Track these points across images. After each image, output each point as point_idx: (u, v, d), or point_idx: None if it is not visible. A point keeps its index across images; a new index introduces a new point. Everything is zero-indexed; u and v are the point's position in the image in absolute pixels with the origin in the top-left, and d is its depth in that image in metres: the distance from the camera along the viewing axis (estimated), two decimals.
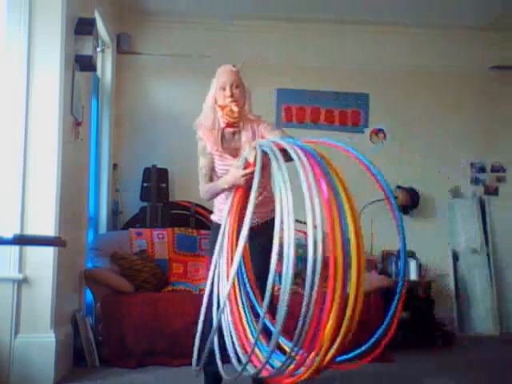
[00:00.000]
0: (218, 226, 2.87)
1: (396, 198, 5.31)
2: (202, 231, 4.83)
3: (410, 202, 5.29)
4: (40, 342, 3.28)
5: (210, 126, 3.03)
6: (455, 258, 5.42)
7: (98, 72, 4.85)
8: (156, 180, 5.02)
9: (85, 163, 4.17)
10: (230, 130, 2.99)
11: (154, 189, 5.00)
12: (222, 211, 2.95)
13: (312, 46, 5.42)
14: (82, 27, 3.64)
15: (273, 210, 2.50)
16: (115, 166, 5.17)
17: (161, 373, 3.67)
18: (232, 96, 2.96)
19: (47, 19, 3.35)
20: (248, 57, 5.32)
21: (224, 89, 2.99)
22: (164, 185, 5.05)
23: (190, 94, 5.41)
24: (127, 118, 5.29)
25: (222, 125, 2.97)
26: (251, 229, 2.44)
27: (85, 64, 3.69)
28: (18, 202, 3.27)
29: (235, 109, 2.94)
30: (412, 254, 5.19)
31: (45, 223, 3.29)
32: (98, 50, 4.58)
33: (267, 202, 2.95)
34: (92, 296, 4.17)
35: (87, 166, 4.27)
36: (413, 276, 5.02)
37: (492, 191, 5.58)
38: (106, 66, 5.07)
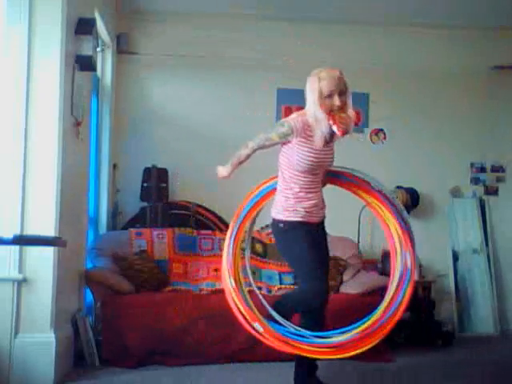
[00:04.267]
0: (294, 224, 3.07)
1: (396, 198, 5.31)
2: (202, 231, 4.83)
3: (409, 202, 5.29)
4: (40, 342, 3.28)
5: (321, 123, 3.01)
6: (455, 257, 5.42)
7: (98, 72, 4.85)
8: (156, 180, 5.01)
9: (85, 163, 4.17)
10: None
11: (154, 189, 4.99)
12: (292, 210, 3.07)
13: (312, 45, 5.42)
14: (82, 27, 3.64)
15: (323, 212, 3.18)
16: (115, 166, 5.17)
17: (161, 373, 3.67)
18: (341, 104, 3.00)
19: (47, 19, 3.35)
20: (248, 57, 5.35)
21: (331, 96, 2.99)
22: (164, 185, 5.05)
23: (190, 94, 5.42)
24: (127, 118, 5.29)
25: (338, 132, 3.00)
26: (316, 224, 3.10)
27: (85, 64, 3.69)
28: (17, 202, 3.27)
29: (344, 115, 3.02)
30: None
31: (45, 223, 3.29)
32: (98, 49, 4.59)
33: (323, 201, 3.18)
34: (92, 296, 4.17)
35: (87, 166, 4.27)
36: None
37: (492, 191, 5.58)
38: (106, 65, 5.07)
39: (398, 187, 5.36)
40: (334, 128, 2.98)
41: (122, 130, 5.25)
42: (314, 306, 3.05)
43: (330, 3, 5.10)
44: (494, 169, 5.59)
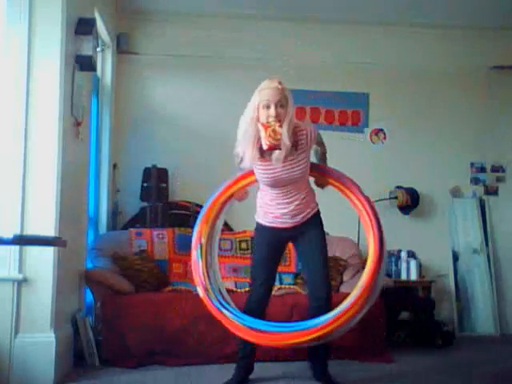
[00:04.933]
0: (261, 226, 3.19)
1: (396, 198, 5.32)
2: None
3: (409, 202, 5.29)
4: (40, 341, 3.27)
5: (250, 140, 2.96)
6: (455, 257, 5.42)
7: (98, 72, 4.85)
8: (156, 180, 5.01)
9: (85, 163, 4.16)
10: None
11: (154, 189, 4.99)
12: (262, 214, 3.16)
13: (312, 45, 5.42)
14: (82, 27, 3.64)
15: (315, 206, 3.13)
16: (115, 166, 5.17)
17: (161, 373, 3.67)
18: (277, 116, 2.90)
19: (47, 19, 3.35)
20: (248, 57, 5.35)
21: (268, 107, 2.92)
22: (164, 185, 5.05)
23: (190, 94, 5.42)
24: (127, 118, 5.29)
25: (265, 146, 2.90)
26: (290, 228, 3.08)
27: (85, 64, 3.69)
28: (18, 202, 3.27)
29: (279, 130, 2.87)
30: (412, 254, 5.20)
31: (45, 223, 3.29)
32: (98, 49, 4.59)
33: (306, 204, 3.12)
34: (92, 296, 4.17)
35: (87, 166, 4.26)
36: (413, 276, 5.03)
37: (492, 191, 5.58)
38: (106, 65, 5.07)
39: (398, 187, 5.36)
40: (263, 141, 2.88)
41: (122, 130, 5.25)
42: (253, 311, 3.13)
43: (330, 3, 5.11)
44: (494, 169, 5.59)
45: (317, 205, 3.21)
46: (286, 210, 3.08)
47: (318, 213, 3.20)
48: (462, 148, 5.54)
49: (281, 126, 2.88)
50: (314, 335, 2.85)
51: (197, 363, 3.78)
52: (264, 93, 2.95)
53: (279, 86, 2.96)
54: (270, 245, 3.19)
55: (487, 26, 5.40)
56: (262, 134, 2.88)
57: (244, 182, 3.20)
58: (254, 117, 2.95)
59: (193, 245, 3.18)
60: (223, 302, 3.05)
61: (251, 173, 3.13)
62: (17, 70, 3.30)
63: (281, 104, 2.92)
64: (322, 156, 3.33)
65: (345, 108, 5.45)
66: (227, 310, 3.01)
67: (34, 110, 3.33)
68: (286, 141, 2.89)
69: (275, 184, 3.03)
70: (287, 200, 3.07)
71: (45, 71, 3.35)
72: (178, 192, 5.21)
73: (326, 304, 3.07)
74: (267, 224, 3.16)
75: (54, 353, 3.29)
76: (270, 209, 3.11)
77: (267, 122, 2.90)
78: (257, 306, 3.19)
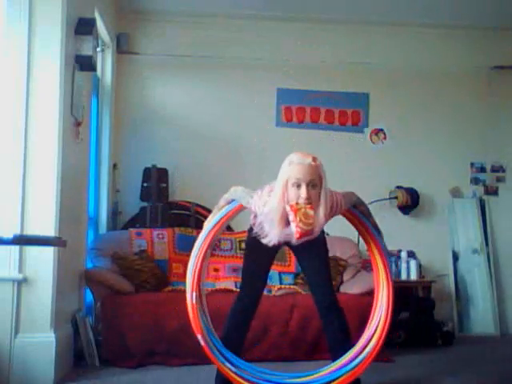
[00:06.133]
0: (250, 230, 2.99)
1: (396, 198, 5.31)
2: None
3: (409, 202, 5.29)
4: (40, 341, 3.27)
5: (277, 219, 2.62)
6: (455, 257, 5.42)
7: (98, 72, 4.85)
8: (156, 180, 5.01)
9: (85, 163, 4.17)
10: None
11: (154, 189, 5.00)
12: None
13: (312, 45, 5.42)
14: (82, 27, 3.64)
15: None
16: (115, 165, 5.17)
17: (161, 373, 3.67)
18: (308, 198, 2.57)
19: (47, 19, 3.35)
20: (248, 57, 5.35)
21: (299, 186, 2.58)
22: (164, 185, 5.05)
23: (190, 94, 5.42)
24: (127, 118, 5.30)
25: (296, 234, 2.54)
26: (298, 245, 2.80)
27: (85, 64, 3.69)
28: (17, 202, 3.27)
29: (311, 213, 2.54)
30: (412, 254, 5.20)
31: (45, 223, 3.29)
32: (98, 49, 4.59)
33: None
34: (92, 296, 4.17)
35: (87, 166, 4.27)
36: (413, 276, 5.03)
37: (492, 191, 5.58)
38: (106, 66, 5.07)
39: (398, 187, 5.36)
40: (292, 226, 2.53)
41: (122, 130, 5.25)
42: (238, 323, 3.04)
43: (330, 3, 5.11)
44: (494, 169, 5.59)
45: None
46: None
47: None
48: (462, 148, 5.54)
49: (312, 209, 2.56)
50: None
51: (197, 363, 3.77)
52: (295, 169, 2.60)
53: (313, 163, 2.61)
54: (264, 252, 2.93)
55: (488, 26, 5.40)
56: (291, 217, 2.54)
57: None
58: (281, 193, 2.62)
59: (188, 288, 3.08)
60: (224, 352, 2.95)
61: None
62: (17, 70, 3.31)
63: (313, 184, 2.59)
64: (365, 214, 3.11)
65: (345, 108, 5.45)
66: (231, 363, 2.94)
67: (34, 110, 3.33)
68: (319, 227, 2.60)
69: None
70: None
71: (45, 71, 3.35)
72: (178, 192, 5.21)
73: (335, 310, 3.02)
74: None
75: (54, 353, 3.29)
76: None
77: (296, 204, 2.56)
78: (243, 317, 3.06)
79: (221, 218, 3.05)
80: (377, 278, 3.12)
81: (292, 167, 2.62)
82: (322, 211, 2.60)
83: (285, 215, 2.61)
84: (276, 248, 2.97)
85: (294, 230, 2.54)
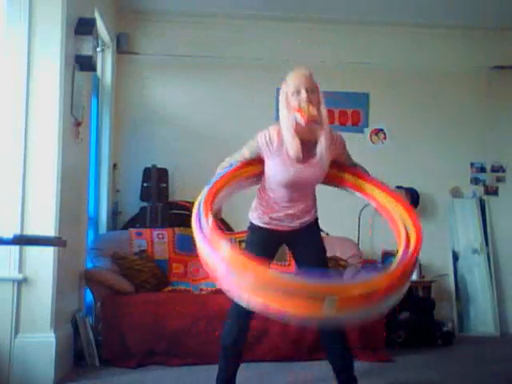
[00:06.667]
0: (255, 227, 3.00)
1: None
2: None
3: (409, 202, 5.28)
4: (40, 341, 3.27)
5: (290, 131, 2.80)
6: (455, 257, 5.42)
7: (98, 72, 4.85)
8: (156, 180, 5.02)
9: (85, 163, 4.17)
10: (306, 141, 2.80)
11: (154, 189, 5.00)
12: (259, 214, 2.97)
13: (312, 45, 5.42)
14: (82, 27, 3.64)
15: (315, 213, 3.00)
16: (115, 165, 5.17)
17: (161, 373, 3.67)
18: (308, 100, 2.77)
19: (47, 19, 3.35)
20: (248, 57, 5.35)
21: (299, 92, 2.80)
22: (164, 185, 5.05)
23: (190, 94, 5.42)
24: (127, 118, 5.30)
25: (302, 122, 2.73)
26: (287, 231, 2.92)
27: (85, 64, 3.69)
28: (18, 202, 3.27)
29: (313, 111, 2.75)
30: None
31: (45, 223, 3.29)
32: (98, 49, 4.59)
33: (308, 211, 3.00)
34: (92, 296, 4.17)
35: (87, 166, 4.27)
36: (413, 276, 5.01)
37: (492, 191, 5.59)
38: (106, 66, 5.07)
39: (398, 187, 5.34)
40: (298, 116, 2.75)
41: (122, 130, 5.26)
42: (241, 315, 2.90)
43: (331, 3, 5.11)
44: (494, 169, 5.59)
45: (316, 211, 3.09)
46: (290, 212, 2.94)
47: (316, 219, 3.08)
48: (462, 148, 5.54)
49: (314, 107, 2.77)
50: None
51: (197, 363, 3.78)
52: (292, 80, 2.86)
53: (307, 72, 2.89)
54: (263, 246, 2.96)
55: (488, 26, 5.40)
56: (298, 115, 2.75)
57: (248, 171, 2.99)
58: (286, 108, 2.83)
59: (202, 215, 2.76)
60: None
61: (257, 162, 2.95)
62: (17, 70, 3.31)
63: (311, 89, 2.82)
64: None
65: (345, 108, 5.45)
66: None
67: (34, 110, 3.33)
68: (325, 124, 2.81)
69: (289, 185, 2.87)
70: (294, 203, 2.94)
71: (45, 71, 3.35)
72: (178, 192, 5.21)
73: None
74: (262, 225, 2.98)
75: (54, 353, 3.29)
76: (270, 210, 2.96)
77: (299, 107, 2.77)
78: (245, 317, 2.93)
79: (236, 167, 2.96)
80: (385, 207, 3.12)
81: (288, 80, 2.86)
82: (323, 111, 2.83)
83: (294, 125, 2.78)
84: (277, 243, 3.03)
85: (300, 118, 2.74)
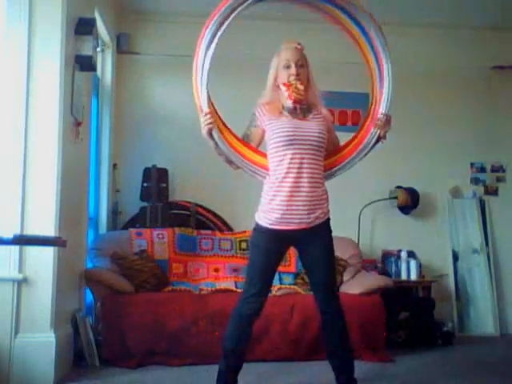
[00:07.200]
0: (262, 228, 2.89)
1: (396, 198, 5.31)
2: (202, 231, 4.83)
3: (409, 202, 5.29)
4: (40, 341, 3.28)
5: (273, 103, 2.90)
6: (455, 257, 5.42)
7: (98, 72, 4.86)
8: (156, 180, 5.01)
9: (85, 163, 4.17)
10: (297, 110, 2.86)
11: (154, 189, 5.00)
12: (266, 212, 2.86)
13: (312, 45, 5.35)
14: (82, 27, 3.64)
15: (328, 211, 2.89)
16: (115, 166, 5.17)
17: (161, 373, 3.67)
18: (298, 75, 2.85)
19: (47, 19, 3.35)
20: (248, 56, 5.34)
21: (288, 66, 2.89)
22: (164, 185, 5.05)
23: (190, 94, 5.37)
24: (127, 118, 5.29)
25: (289, 104, 2.82)
26: (294, 230, 2.80)
27: (85, 64, 3.69)
28: (18, 201, 3.27)
29: (301, 87, 2.82)
30: (412, 254, 5.20)
31: (45, 223, 3.29)
32: (98, 49, 4.59)
33: (320, 201, 2.87)
34: (92, 296, 4.17)
35: (87, 166, 4.27)
36: (413, 276, 5.02)
37: (492, 191, 5.59)
38: (106, 66, 5.07)
39: (398, 187, 5.36)
40: (285, 95, 2.82)
41: (122, 130, 5.25)
42: (244, 319, 2.88)
43: None
44: (494, 169, 5.59)
45: (329, 211, 2.93)
46: (301, 195, 2.79)
47: (328, 220, 2.93)
48: (461, 148, 5.54)
49: (302, 84, 2.84)
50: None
51: (197, 363, 3.78)
52: (283, 53, 2.93)
53: (298, 46, 2.97)
54: (270, 251, 2.87)
55: (488, 26, 5.40)
56: (285, 93, 2.82)
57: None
58: (273, 81, 2.92)
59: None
60: None
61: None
62: (17, 70, 3.31)
63: (301, 63, 2.89)
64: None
65: (345, 108, 5.45)
66: None
67: (34, 110, 3.33)
68: (309, 98, 2.88)
69: (291, 142, 2.79)
70: (300, 179, 2.79)
71: (45, 71, 3.35)
72: (178, 192, 5.21)
73: (337, 315, 2.92)
74: (270, 226, 2.83)
75: (54, 353, 3.30)
76: (278, 198, 2.79)
77: (288, 82, 2.84)
78: (249, 316, 2.90)
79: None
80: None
81: (280, 53, 2.95)
82: (312, 87, 2.94)
83: (279, 96, 2.90)
84: (284, 247, 2.96)
85: (287, 97, 2.83)
